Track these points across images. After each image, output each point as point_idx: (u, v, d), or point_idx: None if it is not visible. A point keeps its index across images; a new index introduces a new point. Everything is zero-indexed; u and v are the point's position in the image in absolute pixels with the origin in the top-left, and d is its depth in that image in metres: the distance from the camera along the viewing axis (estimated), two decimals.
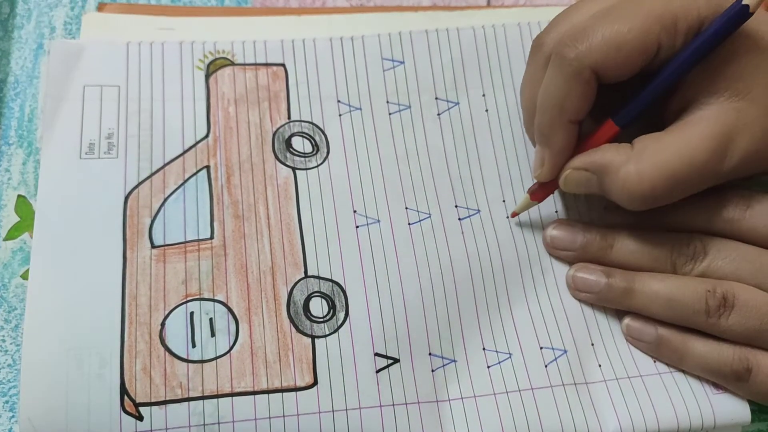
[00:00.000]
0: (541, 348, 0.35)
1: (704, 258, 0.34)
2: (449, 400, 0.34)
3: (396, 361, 0.34)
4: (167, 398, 0.33)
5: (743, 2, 0.30)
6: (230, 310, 0.35)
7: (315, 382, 0.34)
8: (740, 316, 0.33)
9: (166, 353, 0.33)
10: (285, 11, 0.42)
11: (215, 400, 0.33)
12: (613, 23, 0.32)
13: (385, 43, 0.40)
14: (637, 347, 0.36)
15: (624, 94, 0.34)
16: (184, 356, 0.34)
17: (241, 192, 0.37)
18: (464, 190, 0.38)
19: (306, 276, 0.35)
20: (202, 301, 0.35)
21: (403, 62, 0.40)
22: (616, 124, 0.34)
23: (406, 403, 0.34)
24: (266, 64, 0.39)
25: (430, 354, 0.35)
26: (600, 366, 0.35)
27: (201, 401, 0.33)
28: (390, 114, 0.39)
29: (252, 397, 0.33)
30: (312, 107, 0.39)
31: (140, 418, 0.32)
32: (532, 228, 0.38)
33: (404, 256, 0.36)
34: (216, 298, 0.35)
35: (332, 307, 0.35)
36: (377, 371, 0.34)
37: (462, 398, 0.34)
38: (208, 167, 0.37)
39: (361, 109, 0.39)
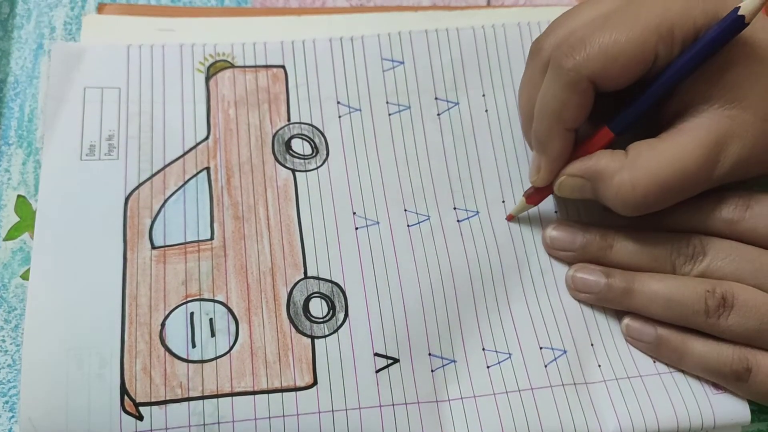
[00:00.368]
0: (541, 348, 0.35)
1: (704, 258, 0.34)
2: (449, 400, 0.34)
3: (396, 361, 0.34)
4: (167, 398, 0.33)
5: (739, 12, 0.30)
6: (230, 311, 0.35)
7: (315, 382, 0.34)
8: (740, 316, 0.33)
9: (166, 353, 0.34)
10: (285, 11, 0.42)
11: (215, 400, 0.33)
12: (611, 33, 0.32)
13: (385, 43, 0.40)
14: (636, 347, 0.36)
15: (620, 99, 0.34)
16: (184, 356, 0.34)
17: (241, 193, 0.37)
18: (463, 192, 0.38)
19: (306, 277, 0.36)
20: (202, 302, 0.35)
21: (402, 62, 0.40)
22: (611, 131, 0.34)
23: (405, 403, 0.34)
24: (266, 66, 0.39)
25: (429, 354, 0.35)
26: (600, 366, 0.35)
27: (201, 401, 0.33)
28: (390, 115, 0.39)
29: (252, 397, 0.33)
30: (312, 109, 0.39)
31: (140, 417, 0.32)
32: (531, 228, 0.38)
33: (403, 257, 0.36)
34: (216, 298, 0.35)
35: (332, 307, 0.35)
36: (377, 371, 0.34)
37: (462, 398, 0.34)
38: (208, 169, 0.37)
39: (360, 110, 0.39)
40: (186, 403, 0.33)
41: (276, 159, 0.37)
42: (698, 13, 0.32)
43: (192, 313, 0.34)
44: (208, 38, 0.39)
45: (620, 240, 0.36)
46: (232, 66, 0.39)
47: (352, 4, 0.43)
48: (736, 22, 0.31)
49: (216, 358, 0.34)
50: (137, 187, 0.36)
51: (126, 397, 0.32)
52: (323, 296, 0.35)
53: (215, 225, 0.36)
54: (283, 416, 0.33)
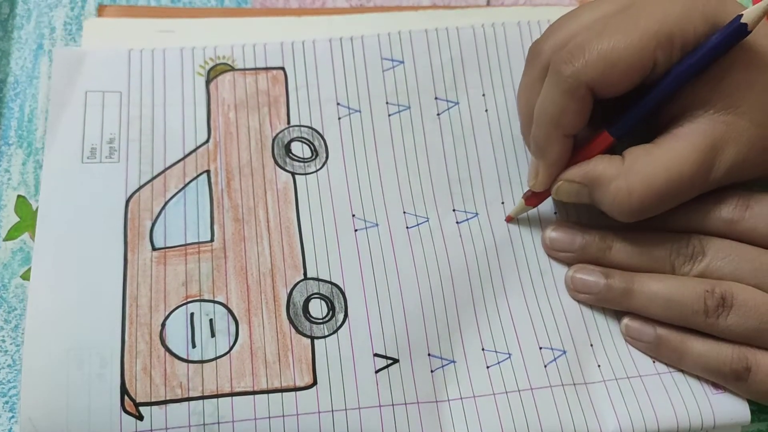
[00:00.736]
0: (541, 348, 0.35)
1: (703, 258, 0.34)
2: (449, 400, 0.34)
3: (395, 361, 0.35)
4: (167, 398, 0.33)
5: (742, 20, 0.30)
6: (230, 311, 0.35)
7: (314, 383, 0.34)
8: (739, 316, 0.33)
9: (167, 353, 0.34)
10: (285, 12, 0.42)
11: (215, 400, 0.33)
12: (610, 39, 0.32)
13: (385, 42, 0.40)
14: (636, 347, 0.36)
15: (620, 103, 0.34)
16: (184, 356, 0.34)
17: (241, 196, 0.37)
18: (462, 193, 0.38)
19: (305, 278, 0.36)
20: (202, 302, 0.35)
21: (402, 62, 0.40)
22: (611, 135, 0.34)
23: (405, 404, 0.34)
24: (266, 68, 0.39)
25: (429, 354, 0.35)
26: (599, 366, 0.35)
27: (201, 401, 0.33)
28: (389, 115, 0.39)
29: (252, 397, 0.33)
30: (311, 111, 0.39)
31: (140, 417, 0.32)
32: (530, 229, 0.38)
33: (403, 258, 0.36)
34: (216, 299, 0.35)
35: (331, 308, 0.35)
36: (376, 371, 0.34)
37: (461, 398, 0.34)
38: (208, 172, 0.37)
39: (360, 111, 0.39)
40: (186, 403, 0.33)
41: (276, 162, 0.38)
42: (698, 19, 0.32)
43: (192, 314, 0.34)
44: (208, 39, 0.39)
45: (619, 241, 0.36)
46: (232, 69, 0.39)
47: (351, 4, 0.43)
48: (739, 30, 0.31)
49: (216, 358, 0.34)
50: (138, 190, 0.36)
51: (126, 397, 0.33)
52: (323, 297, 0.35)
53: (215, 227, 0.36)
54: (283, 416, 0.33)
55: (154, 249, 0.35)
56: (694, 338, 0.34)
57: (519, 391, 0.35)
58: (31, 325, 0.33)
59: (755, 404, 0.35)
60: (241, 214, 0.36)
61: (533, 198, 0.37)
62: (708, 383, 0.35)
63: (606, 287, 0.35)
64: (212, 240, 0.36)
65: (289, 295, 0.35)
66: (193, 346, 0.34)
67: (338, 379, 0.34)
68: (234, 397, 0.33)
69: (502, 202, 0.38)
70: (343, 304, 0.35)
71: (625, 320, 0.36)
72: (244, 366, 0.34)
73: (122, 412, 0.32)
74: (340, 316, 0.35)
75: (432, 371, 0.35)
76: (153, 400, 0.33)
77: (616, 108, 0.34)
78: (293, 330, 0.35)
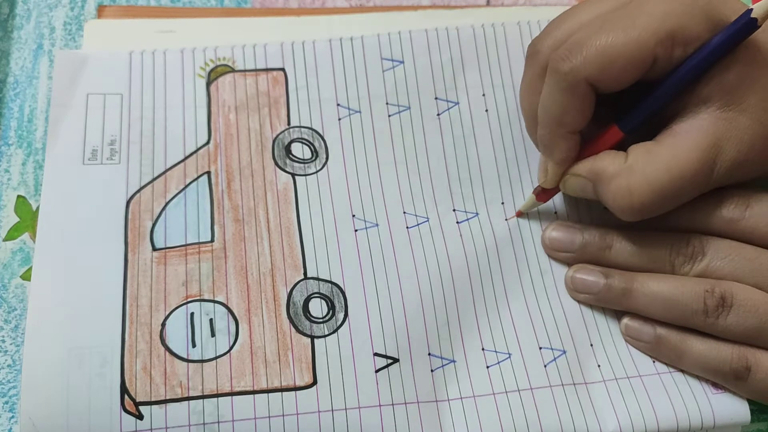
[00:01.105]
0: (541, 348, 0.35)
1: (703, 258, 0.34)
2: (448, 400, 0.34)
3: (395, 361, 0.35)
4: (167, 397, 0.33)
5: (752, 15, 0.30)
6: (230, 311, 0.35)
7: (314, 382, 0.34)
8: (739, 315, 0.33)
9: (167, 353, 0.34)
10: (284, 12, 0.42)
11: (215, 399, 0.33)
12: (608, 35, 0.32)
13: (385, 42, 0.40)
14: (635, 347, 0.36)
15: (631, 98, 0.34)
16: (185, 356, 0.34)
17: (241, 197, 0.37)
18: (462, 193, 0.38)
19: (305, 278, 0.36)
20: (202, 302, 0.35)
21: (402, 62, 0.40)
22: (620, 130, 0.34)
23: (405, 403, 0.34)
24: (266, 70, 0.39)
25: (429, 354, 0.35)
26: (599, 366, 0.35)
27: (201, 400, 0.33)
28: (389, 116, 0.39)
29: (251, 396, 0.33)
30: (312, 112, 0.39)
31: (140, 417, 0.32)
32: (531, 229, 0.38)
33: (403, 258, 0.36)
34: (216, 299, 0.35)
35: (331, 307, 0.35)
36: (376, 371, 0.34)
37: (461, 398, 0.34)
38: (208, 173, 0.37)
39: (360, 112, 0.39)
40: (186, 402, 0.33)
41: (276, 163, 0.38)
42: (699, 16, 0.32)
43: (192, 314, 0.34)
44: (208, 39, 0.40)
45: (619, 240, 0.36)
46: (233, 70, 0.39)
47: (351, 4, 0.43)
48: (749, 24, 0.31)
49: (216, 357, 0.34)
50: (138, 191, 0.36)
51: (126, 397, 0.33)
52: (323, 296, 0.35)
53: (215, 227, 0.36)
54: (283, 416, 0.33)
55: (154, 249, 0.35)
56: (694, 338, 0.34)
57: (519, 391, 0.35)
58: (31, 325, 0.33)
59: (755, 404, 0.35)
60: (241, 214, 0.36)
61: (543, 194, 0.37)
62: (708, 383, 0.35)
63: (606, 287, 0.35)
64: (212, 240, 0.36)
65: (289, 294, 0.35)
66: (193, 345, 0.34)
67: (338, 379, 0.34)
68: (234, 397, 0.33)
69: (502, 202, 0.38)
70: (343, 303, 0.35)
71: (625, 320, 0.36)
72: (244, 365, 0.34)
73: (122, 411, 0.32)
74: (341, 316, 0.35)
75: (432, 371, 0.35)
76: (153, 399, 0.33)
77: (627, 102, 0.34)
78: (293, 329, 0.35)
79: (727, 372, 0.34)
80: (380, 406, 0.34)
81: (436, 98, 0.40)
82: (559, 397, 0.34)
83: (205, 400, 0.33)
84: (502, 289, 0.36)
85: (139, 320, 0.34)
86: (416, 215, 0.37)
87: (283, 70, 0.39)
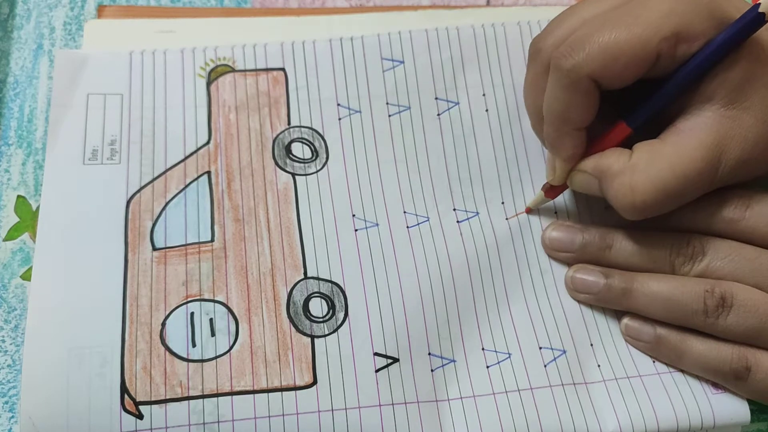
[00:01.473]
0: (541, 348, 0.35)
1: (703, 258, 0.34)
2: (448, 399, 0.34)
3: (395, 360, 0.35)
4: (167, 397, 0.33)
5: (760, 9, 0.30)
6: (230, 311, 0.35)
7: (314, 382, 0.34)
8: (739, 315, 0.33)
9: (167, 353, 0.34)
10: (284, 12, 0.42)
11: (215, 399, 0.33)
12: (611, 32, 0.32)
13: (385, 42, 0.40)
14: (635, 347, 0.36)
15: (632, 94, 0.34)
16: (185, 356, 0.34)
17: (241, 197, 0.37)
18: (463, 193, 0.38)
19: (306, 277, 0.36)
20: (202, 302, 0.35)
21: (402, 62, 0.40)
22: (628, 126, 0.34)
23: (405, 403, 0.34)
24: (266, 69, 0.39)
25: (429, 354, 0.35)
26: (599, 366, 0.35)
27: (201, 400, 0.33)
28: (390, 116, 0.39)
29: (251, 396, 0.33)
30: (312, 112, 0.39)
31: (140, 416, 0.32)
32: (531, 229, 0.38)
33: (403, 258, 0.36)
34: (216, 298, 0.35)
35: (332, 307, 0.35)
36: (377, 371, 0.34)
37: (461, 398, 0.34)
38: (209, 173, 0.37)
39: (360, 111, 0.39)
40: (186, 402, 0.33)
41: (276, 163, 0.38)
42: (703, 13, 0.32)
43: (192, 313, 0.34)
44: (208, 39, 0.40)
45: (619, 240, 0.36)
46: (233, 70, 0.39)
47: (351, 4, 0.43)
48: (757, 19, 0.31)
49: (216, 357, 0.34)
50: (139, 191, 0.36)
51: (126, 396, 0.33)
52: (323, 296, 0.35)
53: (216, 227, 0.36)
54: (283, 415, 0.33)
55: (154, 249, 0.35)
56: (694, 338, 0.34)
57: (519, 390, 0.35)
58: (31, 324, 0.33)
59: (755, 404, 0.35)
60: (241, 214, 0.36)
61: (551, 190, 0.37)
62: (708, 383, 0.35)
63: (606, 287, 0.35)
64: (212, 240, 0.36)
65: (290, 294, 0.35)
66: (193, 345, 0.34)
67: (338, 379, 0.34)
68: (234, 396, 0.33)
69: (503, 202, 0.38)
70: (343, 303, 0.35)
71: (625, 320, 0.36)
72: (244, 365, 0.34)
73: (122, 411, 0.32)
74: (341, 315, 0.35)
75: (432, 370, 0.35)
76: (153, 399, 0.33)
77: (631, 100, 0.34)
78: (293, 329, 0.35)
79: (727, 372, 0.34)
80: (380, 405, 0.34)
81: (436, 98, 0.40)
82: (559, 397, 0.34)
83: (205, 399, 0.33)
84: (503, 288, 0.36)
85: (139, 320, 0.34)
86: (416, 215, 0.37)
87: (283, 69, 0.39)
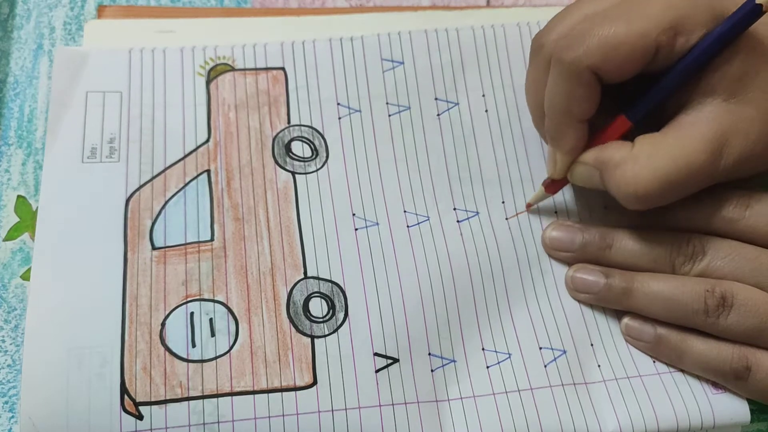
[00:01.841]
0: (541, 348, 0.35)
1: (703, 257, 0.34)
2: (449, 400, 0.34)
3: (395, 360, 0.34)
4: (167, 397, 0.33)
5: (757, 1, 0.30)
6: (230, 311, 0.35)
7: (314, 382, 0.34)
8: (739, 315, 0.33)
9: (166, 353, 0.34)
10: (284, 12, 0.42)
11: (215, 399, 0.33)
12: (611, 25, 0.32)
13: (385, 43, 0.40)
14: (636, 347, 0.36)
15: (630, 89, 0.34)
16: (184, 356, 0.34)
17: (241, 195, 0.37)
18: (463, 192, 0.38)
19: (305, 277, 0.36)
20: (202, 302, 0.35)
21: (402, 63, 0.40)
22: (629, 120, 0.34)
23: (405, 403, 0.34)
24: (266, 69, 0.39)
25: (429, 354, 0.35)
26: (599, 366, 0.35)
27: (201, 401, 0.33)
28: (390, 115, 0.39)
29: (251, 396, 0.33)
30: (312, 111, 0.39)
31: (140, 417, 0.32)
32: (531, 229, 0.38)
33: (403, 257, 0.36)
34: (216, 298, 0.35)
35: (332, 307, 0.35)
36: (377, 371, 0.34)
37: (461, 398, 0.34)
38: (208, 171, 0.37)
39: (360, 111, 0.39)
40: (186, 402, 0.33)
41: (276, 162, 0.38)
42: (702, 6, 0.32)
43: (192, 313, 0.34)
44: (208, 39, 0.40)
45: (619, 240, 0.36)
46: (233, 69, 0.39)
47: (351, 4, 0.43)
48: (754, 10, 0.31)
49: (216, 357, 0.34)
50: (138, 189, 0.36)
51: (126, 397, 0.33)
52: (323, 296, 0.35)
53: (215, 226, 0.36)
54: (283, 416, 0.33)
55: (154, 248, 0.35)
56: (694, 338, 0.34)
57: (519, 391, 0.35)
58: (31, 324, 0.33)
59: (755, 404, 0.35)
60: (241, 213, 0.36)
61: (552, 185, 0.37)
62: (708, 383, 0.35)
63: (606, 287, 0.35)
64: (212, 239, 0.36)
65: (289, 294, 0.35)
66: (193, 345, 0.34)
67: (338, 379, 0.34)
68: (234, 397, 0.33)
69: (503, 201, 0.38)
70: (343, 302, 0.35)
71: (625, 320, 0.36)
72: (244, 365, 0.34)
73: (122, 411, 0.32)
74: (341, 315, 0.35)
75: (432, 371, 0.35)
76: (153, 399, 0.33)
77: (631, 95, 0.34)
78: (293, 329, 0.35)
79: (728, 372, 0.34)
80: (380, 406, 0.34)
81: (436, 99, 0.40)
82: (559, 397, 0.34)
83: (205, 400, 0.33)
84: (503, 288, 0.36)
85: (139, 320, 0.34)
86: (417, 214, 0.37)
87: (283, 69, 0.39)
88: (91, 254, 0.35)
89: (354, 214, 0.37)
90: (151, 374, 0.33)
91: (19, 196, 0.37)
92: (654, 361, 0.36)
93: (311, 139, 0.38)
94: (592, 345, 0.36)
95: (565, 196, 0.39)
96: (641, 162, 0.32)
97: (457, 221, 0.37)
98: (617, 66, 0.32)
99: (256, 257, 0.36)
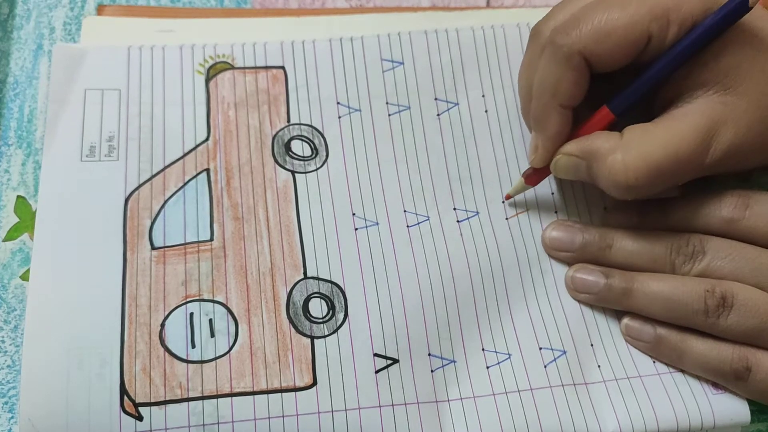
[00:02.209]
0: (541, 349, 0.35)
1: (703, 257, 0.34)
2: (448, 400, 0.34)
3: (395, 361, 0.34)
4: (167, 398, 0.33)
5: None
6: (230, 311, 0.35)
7: (314, 383, 0.34)
8: (739, 315, 0.33)
9: (166, 354, 0.34)
10: (284, 12, 0.42)
11: (215, 400, 0.33)
12: (605, 12, 0.32)
13: (385, 43, 0.40)
14: (636, 347, 0.36)
15: (621, 86, 0.34)
16: (184, 357, 0.34)
17: (240, 195, 0.37)
18: (463, 192, 0.38)
19: (305, 277, 0.36)
20: (201, 302, 0.35)
21: (402, 63, 0.40)
22: (611, 112, 0.34)
23: (405, 404, 0.34)
24: (266, 67, 0.39)
25: (429, 354, 0.35)
26: (599, 366, 0.35)
27: (200, 401, 0.33)
28: (389, 115, 0.39)
29: (251, 397, 0.33)
30: (311, 110, 0.39)
31: (140, 418, 0.32)
32: (531, 229, 0.38)
33: (403, 258, 0.36)
34: (215, 299, 0.35)
35: (331, 307, 0.35)
36: (376, 372, 0.34)
37: (461, 399, 0.34)
38: (208, 170, 0.37)
39: (360, 110, 0.39)
40: (185, 403, 0.33)
41: (276, 161, 0.38)
42: None
43: (192, 314, 0.34)
44: (207, 39, 0.40)
45: (619, 240, 0.36)
46: (232, 67, 0.39)
47: (351, 4, 0.43)
48: (740, 6, 0.31)
49: (215, 358, 0.34)
50: (137, 188, 0.36)
51: (126, 398, 0.32)
52: (323, 296, 0.35)
53: (215, 226, 0.36)
54: (283, 416, 0.33)
55: (153, 248, 0.35)
56: (694, 338, 0.34)
57: (519, 391, 0.35)
58: (30, 325, 0.33)
59: (755, 404, 0.35)
60: (240, 212, 0.36)
61: (533, 176, 0.37)
62: (708, 383, 0.35)
63: (606, 287, 0.35)
64: (212, 239, 0.36)
65: (289, 294, 0.35)
66: (193, 346, 0.34)
67: (338, 380, 0.34)
68: (233, 398, 0.33)
69: (503, 202, 0.38)
70: (343, 303, 0.35)
71: (625, 320, 0.36)
72: (243, 366, 0.34)
73: (122, 412, 0.32)
74: (340, 316, 0.35)
75: (432, 371, 0.35)
76: (152, 400, 0.33)
77: (619, 88, 0.34)
78: (293, 330, 0.35)
79: (728, 372, 0.34)
80: (380, 406, 0.34)
81: (435, 99, 0.40)
82: (559, 397, 0.34)
83: (204, 401, 0.33)
84: (503, 288, 0.36)
85: (138, 320, 0.34)
86: (417, 214, 0.37)
87: (282, 68, 0.39)
88: (90, 254, 0.35)
89: (354, 214, 0.37)
90: (151, 375, 0.33)
91: (18, 197, 0.37)
92: (654, 362, 0.36)
93: (311, 138, 0.38)
94: (592, 345, 0.36)
95: (565, 195, 0.39)
96: (632, 150, 0.33)
97: (457, 221, 0.37)
98: (608, 52, 0.33)
99: (256, 257, 0.36)
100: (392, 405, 0.34)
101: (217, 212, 0.36)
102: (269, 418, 0.33)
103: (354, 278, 0.36)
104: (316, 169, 0.38)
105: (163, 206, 0.36)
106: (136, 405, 0.32)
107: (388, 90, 0.40)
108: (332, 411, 0.33)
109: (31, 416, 0.32)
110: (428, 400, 0.34)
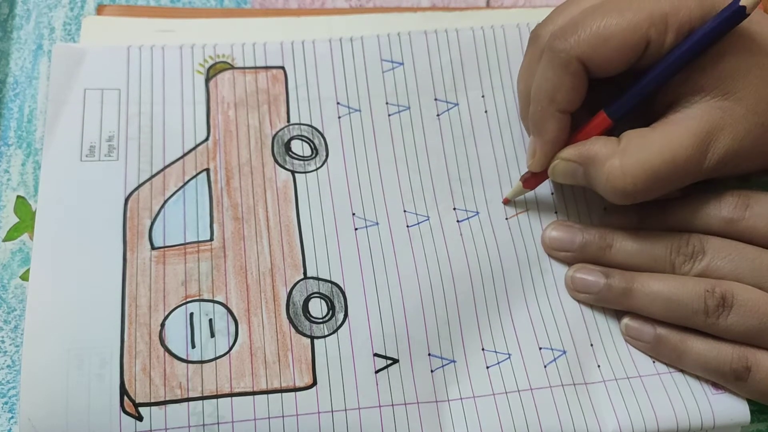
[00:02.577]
0: (541, 348, 0.35)
1: (703, 257, 0.34)
2: (448, 400, 0.34)
3: (395, 361, 0.34)
4: (167, 398, 0.33)
5: (741, 3, 0.31)
6: (230, 311, 0.35)
7: (314, 383, 0.34)
8: (739, 315, 0.33)
9: (166, 354, 0.34)
10: (284, 12, 0.42)
11: (215, 400, 0.33)
12: (603, 17, 0.32)
13: (384, 44, 0.40)
14: (635, 347, 0.36)
15: (619, 91, 0.34)
16: (184, 357, 0.34)
17: (240, 195, 0.37)
18: (463, 192, 0.38)
19: (305, 277, 0.36)
20: (201, 302, 0.35)
21: (402, 63, 0.40)
22: (609, 117, 0.34)
23: (405, 404, 0.34)
24: (266, 67, 0.39)
25: (429, 354, 0.35)
26: (599, 366, 0.35)
27: (200, 401, 0.33)
28: (389, 115, 0.39)
29: (251, 397, 0.33)
30: (311, 110, 0.39)
31: (140, 418, 0.32)
32: (531, 229, 0.38)
33: (403, 257, 0.36)
34: (215, 299, 0.35)
35: (331, 307, 0.35)
36: (376, 372, 0.34)
37: (461, 399, 0.34)
38: (207, 170, 0.37)
39: (360, 110, 0.39)
40: (185, 403, 0.33)
41: (275, 160, 0.38)
42: (693, 4, 0.32)
43: (191, 314, 0.34)
44: (207, 39, 0.40)
45: (619, 240, 0.36)
46: (232, 67, 0.39)
47: (351, 4, 0.43)
48: (738, 13, 0.31)
49: (215, 358, 0.34)
50: (137, 188, 0.36)
51: (126, 398, 0.32)
52: (323, 296, 0.35)
53: (215, 226, 0.36)
54: (283, 416, 0.33)
55: (153, 248, 0.35)
56: (694, 338, 0.34)
57: (519, 391, 0.35)
58: (30, 325, 0.33)
59: (755, 404, 0.35)
60: (240, 212, 0.36)
61: (531, 180, 0.37)
62: (708, 383, 0.35)
63: (606, 287, 0.35)
64: (212, 239, 0.36)
65: (289, 294, 0.35)
66: (193, 346, 0.34)
67: (338, 380, 0.34)
68: (233, 398, 0.33)
69: (502, 202, 0.38)
70: (343, 303, 0.35)
71: (625, 320, 0.36)
72: (243, 366, 0.34)
73: (122, 412, 0.32)
74: (340, 316, 0.35)
75: (432, 371, 0.35)
76: (152, 400, 0.33)
77: (617, 93, 0.34)
78: (293, 330, 0.35)
79: (728, 372, 0.34)
80: (380, 406, 0.34)
81: (435, 99, 0.40)
82: (559, 397, 0.34)
83: (204, 401, 0.33)
84: (503, 288, 0.36)
85: (138, 320, 0.34)
86: (416, 214, 0.37)
87: (282, 68, 0.39)
88: (90, 254, 0.35)
89: (354, 214, 0.37)
90: (151, 375, 0.33)
91: (18, 197, 0.37)
92: (654, 362, 0.36)
93: (311, 138, 0.38)
94: (591, 345, 0.36)
95: (565, 195, 0.39)
96: (629, 155, 0.33)
97: (457, 221, 0.37)
98: (606, 58, 0.33)
99: (256, 257, 0.36)
100: (392, 405, 0.34)
101: (217, 212, 0.36)
102: (269, 418, 0.33)
103: (354, 278, 0.36)
104: (316, 169, 0.38)
105: (163, 206, 0.36)
106: (136, 405, 0.32)
107: (387, 90, 0.40)
108: (332, 411, 0.33)
109: (31, 416, 0.32)
110: (428, 400, 0.34)
